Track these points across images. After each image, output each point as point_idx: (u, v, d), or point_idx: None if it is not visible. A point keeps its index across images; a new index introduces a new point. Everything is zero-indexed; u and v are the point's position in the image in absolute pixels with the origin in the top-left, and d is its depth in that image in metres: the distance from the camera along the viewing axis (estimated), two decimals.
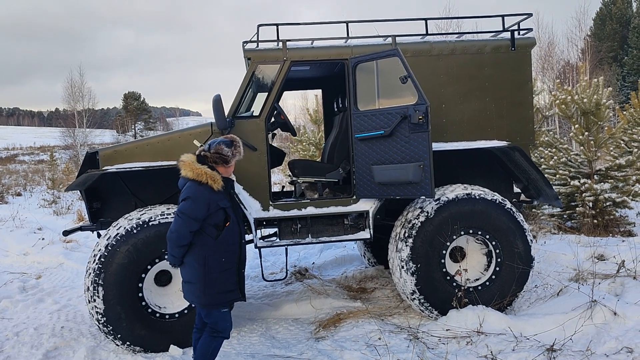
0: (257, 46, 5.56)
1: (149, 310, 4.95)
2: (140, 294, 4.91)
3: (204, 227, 3.80)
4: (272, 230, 6.38)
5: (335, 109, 6.95)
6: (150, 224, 4.90)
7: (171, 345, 4.97)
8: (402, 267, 5.28)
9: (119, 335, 4.85)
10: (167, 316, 5.02)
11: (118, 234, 4.86)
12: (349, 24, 5.57)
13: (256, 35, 5.52)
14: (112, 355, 4.90)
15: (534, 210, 9.41)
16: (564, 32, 50.32)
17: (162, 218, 4.96)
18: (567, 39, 28.65)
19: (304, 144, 13.66)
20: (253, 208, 5.36)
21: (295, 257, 8.56)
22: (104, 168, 5.14)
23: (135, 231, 4.86)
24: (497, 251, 5.34)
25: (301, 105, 35.58)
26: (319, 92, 22.17)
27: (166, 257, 4.03)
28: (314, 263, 8.13)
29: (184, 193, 3.81)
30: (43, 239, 10.19)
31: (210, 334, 3.97)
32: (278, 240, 5.50)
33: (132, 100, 61.14)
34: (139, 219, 4.94)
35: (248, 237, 6.22)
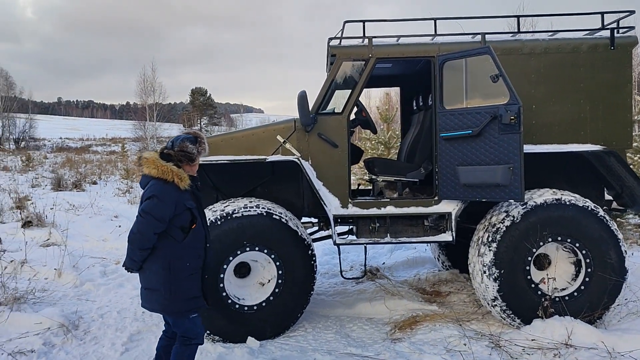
0: (340, 43, 5.52)
1: (229, 301, 5.03)
2: (221, 285, 4.99)
3: (169, 229, 3.52)
4: (345, 228, 6.34)
5: (415, 107, 6.83)
6: (233, 216, 4.98)
7: (248, 337, 5.04)
8: (484, 272, 5.11)
9: None
10: (245, 308, 5.08)
11: None
12: (434, 20, 5.44)
13: (341, 32, 5.49)
14: None
15: (618, 219, 8.91)
16: None
17: (245, 211, 5.02)
18: None
19: (372, 142, 13.53)
20: (332, 205, 5.34)
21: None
22: None
23: (219, 222, 4.94)
24: (587, 261, 5.07)
25: (365, 104, 35.45)
26: (387, 89, 22.01)
27: (128, 260, 3.59)
28: (384, 263, 8.05)
29: (147, 191, 3.51)
30: (120, 226, 10.58)
31: (182, 343, 3.69)
32: (356, 238, 5.45)
33: (199, 95, 62.97)
34: (223, 210, 5.02)
35: (325, 233, 6.26)
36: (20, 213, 11.14)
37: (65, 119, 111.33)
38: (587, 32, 5.49)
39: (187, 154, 3.64)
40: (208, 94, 64.76)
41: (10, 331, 5.11)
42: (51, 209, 11.43)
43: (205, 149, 3.76)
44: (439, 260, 7.46)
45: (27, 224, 10.05)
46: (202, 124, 61.89)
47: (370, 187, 6.85)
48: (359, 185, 7.41)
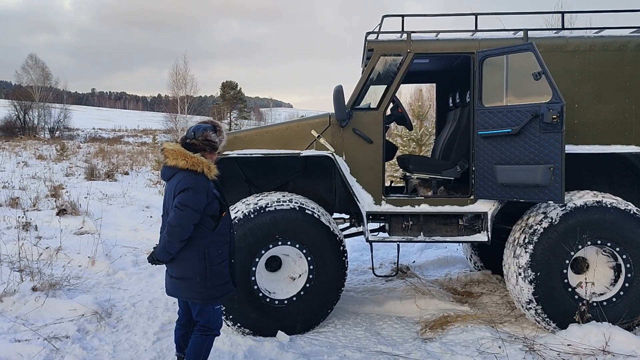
0: (377, 37, 5.45)
1: (260, 294, 5.03)
2: (252, 278, 5.00)
3: (201, 218, 3.60)
4: (376, 225, 6.27)
5: (451, 104, 6.72)
6: (266, 209, 4.97)
7: (279, 331, 5.03)
8: (520, 274, 5.00)
9: (230, 316, 4.97)
10: (276, 302, 5.08)
11: (236, 217, 4.95)
12: (475, 16, 5.33)
13: (379, 27, 5.42)
14: (223, 334, 4.98)
15: None
16: None
17: (278, 205, 5.01)
18: None
19: (404, 139, 13.39)
20: (366, 201, 5.29)
21: (394, 255, 8.41)
22: (224, 153, 5.25)
23: (252, 216, 4.94)
24: (628, 265, 4.92)
25: None
26: (419, 85, 21.77)
27: (161, 252, 3.63)
28: (414, 261, 7.96)
29: (181, 184, 3.54)
30: (151, 217, 10.70)
31: (202, 332, 3.75)
32: (388, 236, 5.39)
33: (229, 89, 63.29)
34: (256, 204, 5.02)
35: (355, 229, 6.21)
36: (55, 201, 11.39)
37: (98, 110, 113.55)
38: (634, 29, 5.31)
39: (211, 143, 3.72)
40: (238, 88, 65.02)
41: (46, 316, 5.22)
42: (85, 197, 11.65)
43: (225, 138, 3.86)
44: (470, 260, 7.34)
45: (61, 211, 10.27)
46: (231, 117, 62.29)
47: (402, 185, 6.77)
48: (391, 182, 7.33)
